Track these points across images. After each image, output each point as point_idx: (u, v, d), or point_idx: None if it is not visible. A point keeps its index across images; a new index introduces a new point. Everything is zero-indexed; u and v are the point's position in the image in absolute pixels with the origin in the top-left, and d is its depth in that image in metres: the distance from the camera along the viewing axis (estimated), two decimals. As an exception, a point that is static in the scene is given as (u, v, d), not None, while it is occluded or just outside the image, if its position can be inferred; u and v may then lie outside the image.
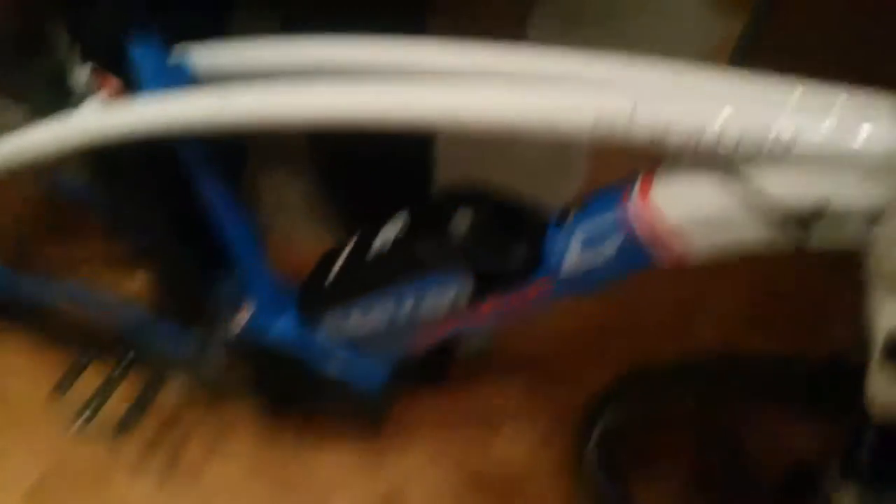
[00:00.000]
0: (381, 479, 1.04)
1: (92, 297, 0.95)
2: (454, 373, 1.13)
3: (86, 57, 0.67)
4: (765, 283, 1.24)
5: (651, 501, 0.94)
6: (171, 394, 1.04)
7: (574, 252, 0.59)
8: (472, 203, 0.67)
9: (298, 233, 1.22)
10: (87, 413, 0.84)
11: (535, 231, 0.62)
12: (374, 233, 0.73)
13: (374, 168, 0.90)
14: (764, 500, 0.89)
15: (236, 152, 0.75)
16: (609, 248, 0.57)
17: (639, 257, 0.56)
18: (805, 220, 0.47)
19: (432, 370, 1.02)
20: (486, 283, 0.65)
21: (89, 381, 0.91)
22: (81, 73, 0.68)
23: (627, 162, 0.58)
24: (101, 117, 0.64)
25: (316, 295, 0.80)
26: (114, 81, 0.64)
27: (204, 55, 0.65)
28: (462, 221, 0.65)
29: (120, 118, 0.63)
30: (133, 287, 1.10)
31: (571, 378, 1.12)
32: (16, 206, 1.13)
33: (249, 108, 0.59)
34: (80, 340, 1.04)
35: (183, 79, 0.64)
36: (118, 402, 0.90)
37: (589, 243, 0.58)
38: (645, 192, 0.54)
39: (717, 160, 0.48)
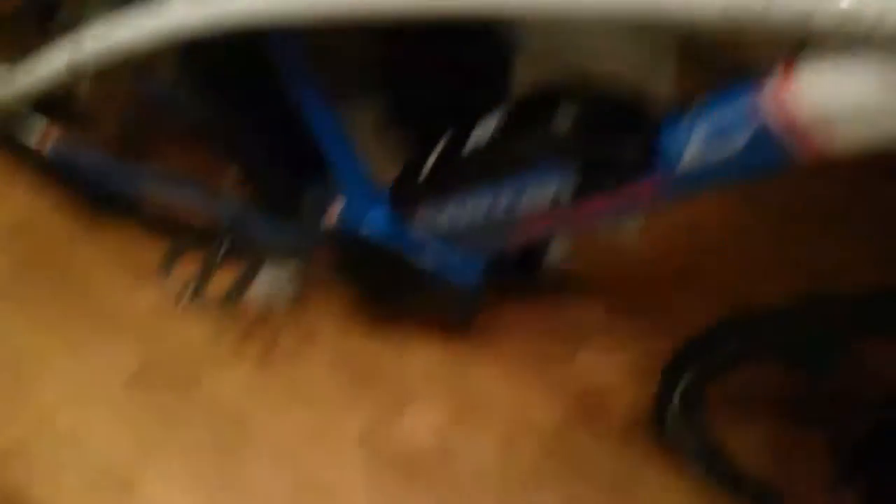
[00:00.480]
0: (461, 386, 1.05)
1: (189, 188, 0.96)
2: (540, 281, 1.11)
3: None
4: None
5: (740, 447, 0.89)
6: (264, 286, 1.05)
7: (696, 146, 0.54)
8: (575, 97, 0.62)
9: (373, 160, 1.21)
10: (191, 290, 0.88)
11: (649, 123, 0.58)
12: (466, 133, 0.70)
13: (447, 80, 0.86)
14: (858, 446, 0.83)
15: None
16: (737, 142, 0.52)
17: (771, 153, 0.51)
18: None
19: (523, 271, 1.01)
20: (593, 179, 0.62)
21: (187, 267, 0.94)
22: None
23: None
24: (194, 7, 0.61)
25: (409, 190, 0.78)
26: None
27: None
28: (565, 115, 0.61)
29: (214, 7, 0.59)
30: (227, 182, 1.12)
31: (660, 303, 1.10)
32: (119, 98, 1.14)
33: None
34: (175, 231, 1.08)
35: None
36: (215, 288, 0.92)
37: (714, 136, 0.53)
38: (784, 80, 0.48)
39: (874, 42, 0.43)
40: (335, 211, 0.85)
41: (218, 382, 1.06)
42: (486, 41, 0.80)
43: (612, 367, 1.07)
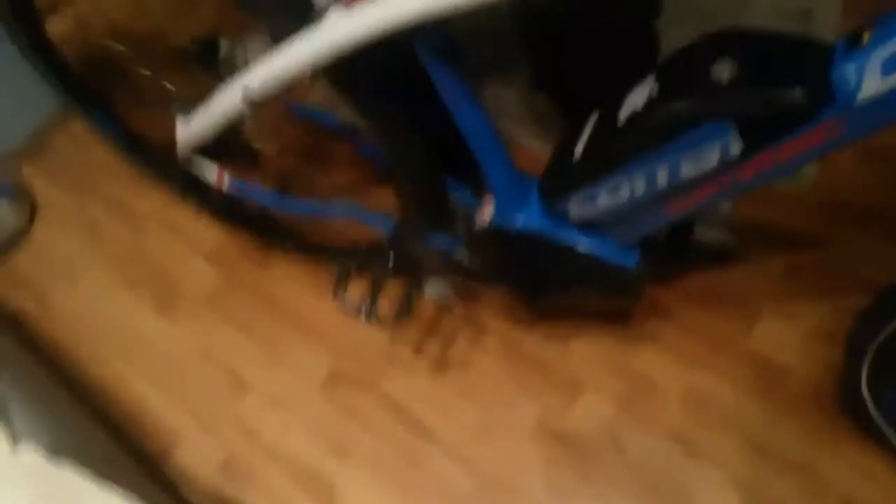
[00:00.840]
0: (629, 374, 1.04)
1: (350, 210, 1.03)
2: (699, 255, 1.08)
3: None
4: None
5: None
6: (431, 293, 1.14)
7: (873, 78, 0.51)
8: (733, 48, 0.60)
9: (522, 138, 1.22)
10: (365, 309, 0.92)
11: (815, 64, 0.55)
12: (617, 105, 0.69)
13: (593, 50, 0.86)
14: None
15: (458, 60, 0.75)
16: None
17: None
18: None
19: (675, 250, 0.97)
20: (762, 131, 0.59)
21: (358, 284, 1.00)
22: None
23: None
24: (350, 21, 0.65)
25: (560, 179, 0.78)
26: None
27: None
28: (724, 68, 0.59)
29: (368, 17, 0.64)
30: (386, 200, 1.18)
31: (844, 255, 1.04)
32: (280, 130, 1.25)
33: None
34: (341, 252, 1.17)
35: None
36: (388, 301, 0.97)
37: (893, 64, 0.49)
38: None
39: None
40: (487, 211, 0.86)
41: (398, 386, 1.12)
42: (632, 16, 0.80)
43: (794, 336, 1.01)
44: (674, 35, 0.99)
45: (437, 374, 1.11)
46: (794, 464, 0.93)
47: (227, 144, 0.95)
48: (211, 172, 1.04)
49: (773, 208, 1.09)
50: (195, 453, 1.14)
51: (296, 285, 1.26)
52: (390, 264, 0.90)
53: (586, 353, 1.06)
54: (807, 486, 0.91)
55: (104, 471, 0.78)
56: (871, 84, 0.51)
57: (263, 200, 1.09)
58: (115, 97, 1.13)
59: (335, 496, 1.06)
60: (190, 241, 1.32)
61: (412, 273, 0.94)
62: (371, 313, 0.91)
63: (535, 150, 1.21)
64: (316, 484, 1.07)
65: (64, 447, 0.85)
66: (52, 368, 1.19)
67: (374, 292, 0.91)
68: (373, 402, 1.11)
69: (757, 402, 0.98)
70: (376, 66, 0.70)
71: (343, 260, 0.95)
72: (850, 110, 0.54)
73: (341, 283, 0.93)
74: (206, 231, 1.30)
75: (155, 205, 1.39)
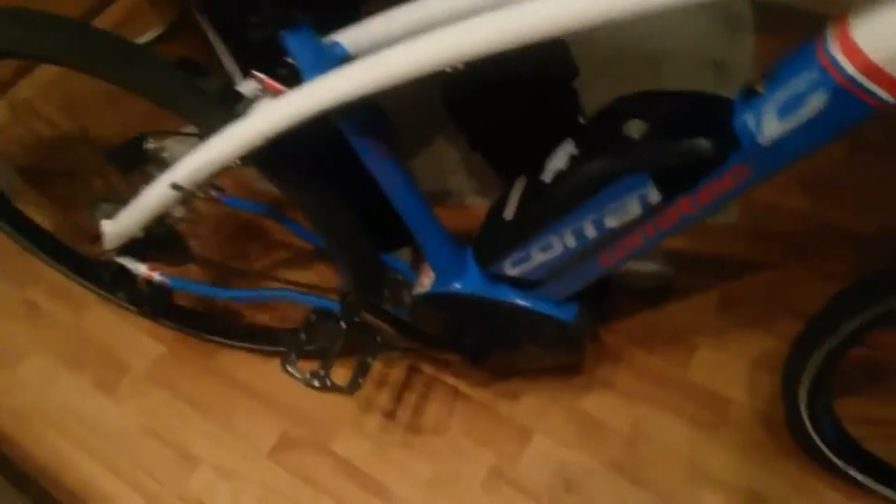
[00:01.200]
0: (576, 415, 1.05)
1: (287, 293, 1.02)
2: (636, 304, 1.12)
3: (246, 66, 0.71)
4: None
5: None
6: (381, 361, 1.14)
7: (770, 123, 0.54)
8: (641, 107, 0.64)
9: (467, 196, 1.26)
10: (319, 381, 0.91)
11: (718, 115, 0.58)
12: (541, 168, 0.72)
13: (518, 116, 0.89)
14: None
15: (389, 133, 0.77)
16: (812, 109, 0.51)
17: (853, 107, 0.50)
18: None
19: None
20: (673, 183, 0.62)
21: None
22: (245, 85, 0.72)
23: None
24: (275, 110, 0.67)
25: (493, 242, 0.80)
26: (275, 82, 0.67)
27: (350, 36, 0.66)
28: (634, 126, 0.62)
29: (293, 106, 0.65)
30: (323, 277, 1.18)
31: (772, 280, 1.10)
32: (205, 220, 1.25)
33: (405, 62, 0.59)
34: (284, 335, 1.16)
35: (338, 62, 0.65)
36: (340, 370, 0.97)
37: (787, 109, 0.53)
38: (843, 34, 0.48)
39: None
40: (426, 279, 0.87)
41: (350, 446, 1.11)
42: (550, 68, 0.83)
43: (731, 366, 1.05)
44: (600, 92, 1.04)
45: (389, 431, 1.10)
46: (739, 488, 0.95)
47: (156, 240, 0.94)
48: (140, 270, 1.03)
49: (705, 240, 1.14)
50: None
51: (239, 355, 1.24)
52: (338, 341, 0.89)
53: (536, 402, 1.08)
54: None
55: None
56: (770, 129, 0.55)
57: (198, 292, 1.09)
58: (39, 199, 1.12)
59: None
60: (132, 317, 1.28)
61: (364, 340, 0.94)
62: (324, 385, 0.90)
63: (479, 208, 1.25)
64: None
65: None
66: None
67: (326, 366, 0.89)
68: (325, 464, 1.10)
69: (699, 433, 1.01)
70: (304, 148, 0.72)
71: (291, 337, 0.94)
72: (754, 154, 0.57)
73: (291, 355, 0.92)
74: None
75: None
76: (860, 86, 0.49)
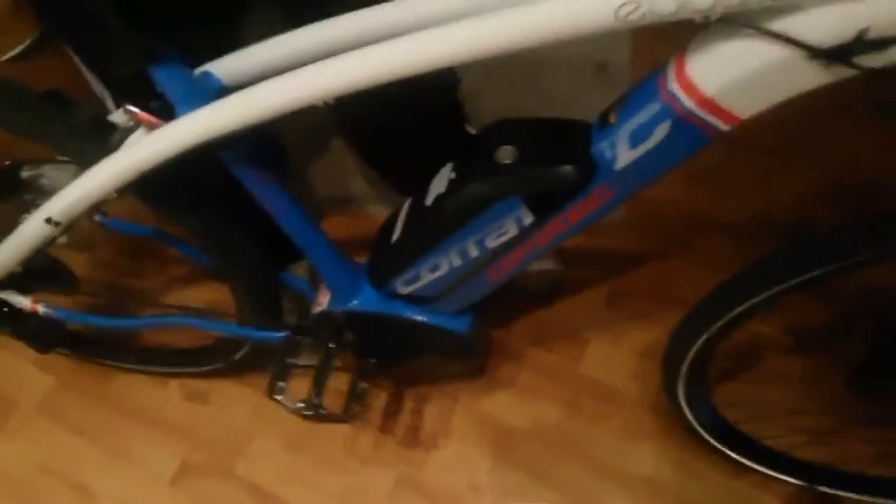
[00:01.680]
0: (479, 418, 1.08)
1: (181, 318, 1.00)
2: (530, 304, 1.16)
3: (118, 97, 0.68)
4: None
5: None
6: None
7: (623, 150, 0.58)
8: (512, 134, 0.67)
9: (369, 200, 1.26)
10: (313, 403, 0.95)
11: (579, 142, 0.62)
12: (425, 192, 0.74)
13: (407, 135, 0.91)
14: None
15: (275, 154, 0.76)
16: (658, 137, 0.56)
17: (693, 136, 0.55)
18: (847, 52, 0.46)
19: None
20: (544, 204, 0.65)
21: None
22: (117, 115, 0.70)
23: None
24: (148, 144, 0.65)
25: (383, 263, 0.81)
26: (148, 115, 0.65)
27: (224, 67, 0.66)
28: (505, 152, 0.65)
29: (167, 140, 0.64)
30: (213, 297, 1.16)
31: (658, 276, 1.16)
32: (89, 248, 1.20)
33: (281, 96, 0.60)
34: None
35: (212, 93, 0.64)
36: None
37: (637, 137, 0.57)
38: (680, 70, 0.53)
39: (743, 17, 0.47)
40: (323, 298, 0.88)
41: (253, 467, 1.09)
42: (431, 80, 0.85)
43: (620, 358, 1.10)
44: (485, 103, 1.06)
45: (293, 448, 1.10)
46: (635, 476, 1.01)
47: (37, 273, 0.90)
48: (23, 304, 0.98)
49: (592, 237, 1.18)
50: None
51: (135, 380, 1.20)
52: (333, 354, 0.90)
53: (441, 408, 1.10)
54: (644, 494, 0.99)
55: None
56: (623, 155, 0.59)
57: (88, 323, 1.05)
58: None
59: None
60: (16, 350, 1.20)
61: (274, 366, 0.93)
62: (320, 410, 0.90)
63: (379, 215, 1.25)
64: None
65: None
66: None
67: (319, 388, 0.91)
68: (229, 487, 1.08)
69: (594, 425, 1.06)
70: (182, 176, 0.70)
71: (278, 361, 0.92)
72: (613, 178, 0.61)
73: (277, 383, 0.91)
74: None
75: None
76: (698, 117, 0.54)
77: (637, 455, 1.02)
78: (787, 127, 1.09)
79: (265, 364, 1.11)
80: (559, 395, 1.08)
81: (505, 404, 1.09)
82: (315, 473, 1.07)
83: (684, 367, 0.78)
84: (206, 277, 1.25)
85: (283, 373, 0.92)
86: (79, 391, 1.20)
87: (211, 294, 1.23)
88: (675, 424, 1.02)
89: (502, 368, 1.12)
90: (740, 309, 0.66)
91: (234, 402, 1.15)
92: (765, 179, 1.23)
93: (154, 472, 1.11)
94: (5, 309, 0.99)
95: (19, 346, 1.21)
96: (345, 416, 0.92)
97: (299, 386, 1.01)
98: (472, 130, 0.98)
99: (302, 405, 0.90)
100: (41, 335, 1.02)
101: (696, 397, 0.85)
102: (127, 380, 1.19)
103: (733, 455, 0.91)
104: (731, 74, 0.50)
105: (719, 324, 0.68)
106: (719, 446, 0.90)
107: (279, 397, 0.90)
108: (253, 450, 1.10)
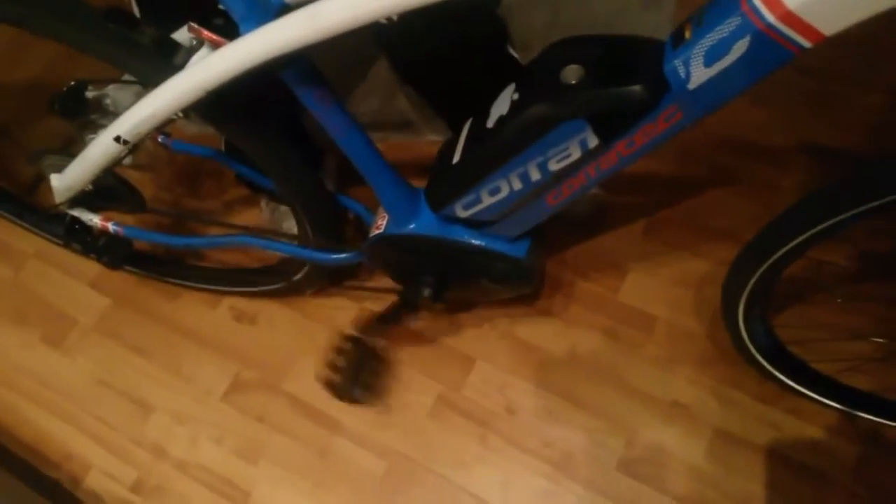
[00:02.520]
0: (514, 342, 1.10)
1: (245, 238, 1.01)
2: (571, 232, 1.15)
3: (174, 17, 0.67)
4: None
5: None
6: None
7: (697, 69, 0.56)
8: (578, 53, 0.64)
9: (421, 124, 1.24)
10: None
11: (650, 61, 0.59)
12: (486, 114, 0.72)
13: (449, 56, 0.89)
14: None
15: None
16: (736, 55, 0.53)
17: (773, 53, 0.52)
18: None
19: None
20: (609, 127, 0.63)
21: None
22: (180, 34, 0.69)
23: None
24: (213, 63, 0.64)
25: (443, 186, 0.80)
26: (212, 33, 0.64)
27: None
28: (571, 71, 0.63)
29: (232, 59, 0.63)
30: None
31: (692, 223, 1.13)
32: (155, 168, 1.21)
33: (345, 12, 0.58)
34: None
35: (273, 11, 0.62)
36: None
37: (713, 55, 0.55)
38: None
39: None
40: (381, 222, 0.87)
41: (299, 385, 1.13)
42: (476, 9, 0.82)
43: (658, 286, 1.10)
44: (527, 20, 1.02)
45: (338, 369, 1.10)
46: (664, 401, 1.02)
47: (107, 191, 0.90)
48: (94, 221, 1.00)
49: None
50: (106, 477, 1.11)
51: (187, 301, 1.23)
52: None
53: (478, 332, 1.12)
54: (678, 419, 1.01)
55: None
56: (698, 74, 0.57)
57: (154, 240, 1.07)
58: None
59: (250, 497, 1.06)
60: (73, 272, 1.26)
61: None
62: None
63: (432, 140, 1.24)
64: (230, 488, 1.07)
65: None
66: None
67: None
68: (277, 403, 1.12)
69: (629, 352, 1.07)
70: (245, 95, 0.69)
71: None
72: (685, 98, 0.59)
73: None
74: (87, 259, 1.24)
75: (35, 241, 1.27)
76: (779, 33, 0.51)
77: (672, 381, 1.03)
78: (840, 49, 1.05)
79: (322, 286, 1.13)
80: (597, 323, 1.09)
81: (543, 331, 1.10)
82: (357, 391, 1.09)
83: (749, 286, 0.76)
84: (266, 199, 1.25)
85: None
86: (133, 311, 1.24)
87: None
88: (710, 351, 1.03)
89: (541, 295, 1.12)
90: (814, 231, 0.64)
91: (280, 323, 1.19)
92: (813, 106, 1.19)
93: (206, 387, 1.15)
94: (77, 227, 1.01)
95: (77, 268, 1.26)
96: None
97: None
98: (514, 52, 0.95)
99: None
100: (111, 253, 1.04)
101: (754, 316, 0.83)
102: (179, 301, 1.23)
103: (781, 377, 0.91)
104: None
105: (792, 244, 0.67)
106: (769, 367, 0.90)
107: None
108: (298, 368, 1.14)
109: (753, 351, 0.87)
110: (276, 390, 1.13)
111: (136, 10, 0.84)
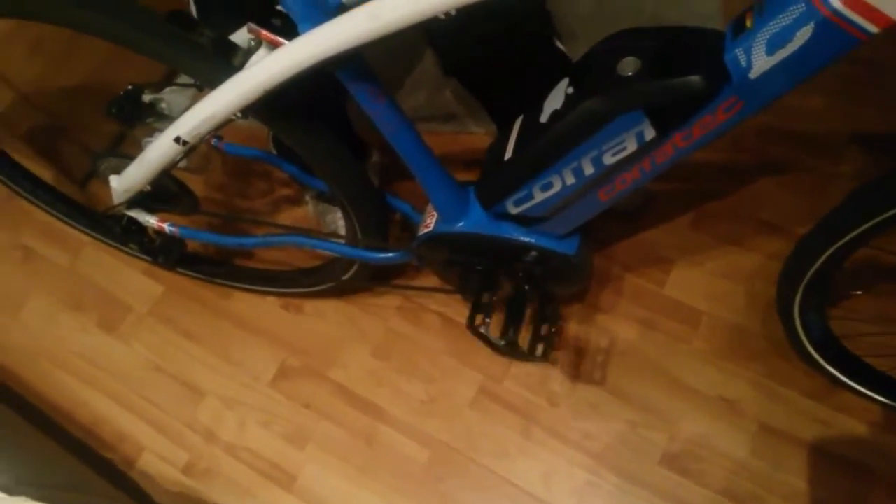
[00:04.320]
0: (562, 330, 1.08)
1: (297, 238, 1.01)
2: (617, 224, 1.13)
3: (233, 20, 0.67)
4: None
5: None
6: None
7: (759, 57, 0.54)
8: (634, 44, 0.62)
9: (469, 122, 1.24)
10: (511, 342, 0.88)
11: (709, 50, 0.57)
12: (539, 109, 0.71)
13: (496, 49, 0.87)
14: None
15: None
16: (799, 42, 0.51)
17: (838, 40, 0.50)
18: None
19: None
20: (668, 117, 0.61)
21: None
22: (239, 35, 0.69)
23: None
24: (273, 63, 0.64)
25: (495, 182, 0.79)
26: (271, 34, 0.64)
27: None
28: (627, 63, 0.61)
29: (292, 58, 0.63)
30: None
31: (738, 217, 1.11)
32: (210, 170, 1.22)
33: (404, 9, 0.57)
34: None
35: (332, 9, 0.62)
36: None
37: (775, 43, 0.53)
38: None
39: None
40: (431, 220, 0.87)
41: (345, 373, 1.14)
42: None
43: (704, 280, 1.08)
44: (573, 9, 0.99)
45: (382, 357, 1.13)
46: (710, 396, 1.00)
47: (163, 192, 0.91)
48: (150, 222, 1.01)
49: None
50: (159, 459, 1.13)
51: (236, 289, 1.24)
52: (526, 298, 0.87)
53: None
54: (722, 413, 0.99)
55: (70, 493, 0.74)
56: (760, 63, 0.55)
57: (208, 241, 1.07)
58: (41, 160, 1.09)
59: (296, 480, 1.07)
60: (127, 260, 1.28)
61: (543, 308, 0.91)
62: (516, 349, 0.87)
63: (479, 134, 1.23)
64: (277, 472, 1.08)
65: (27, 478, 0.81)
66: (7, 402, 1.14)
67: (515, 328, 0.86)
68: (323, 390, 1.13)
69: (674, 346, 1.04)
70: (301, 96, 0.69)
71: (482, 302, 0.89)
72: (745, 88, 0.57)
73: (484, 319, 0.87)
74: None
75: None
76: (845, 18, 0.49)
77: (717, 376, 1.01)
78: (892, 38, 1.01)
79: (371, 284, 1.14)
80: (642, 316, 1.07)
81: (584, 323, 1.08)
82: (401, 380, 1.11)
83: (808, 275, 0.74)
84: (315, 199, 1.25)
85: (483, 307, 0.88)
86: (185, 298, 1.26)
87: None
88: (757, 346, 1.00)
89: (587, 288, 1.10)
90: (879, 219, 0.62)
91: (326, 312, 1.19)
92: (864, 96, 1.14)
93: (254, 373, 1.16)
94: (133, 227, 1.02)
95: (130, 257, 1.28)
96: (537, 357, 0.86)
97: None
98: (561, 45, 0.93)
99: (503, 342, 0.86)
100: (166, 253, 1.05)
101: (810, 308, 0.80)
102: (228, 289, 1.24)
103: (833, 371, 0.88)
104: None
105: (856, 232, 0.64)
106: (822, 361, 0.87)
107: (483, 331, 0.86)
108: (344, 357, 1.14)
109: (807, 344, 0.85)
110: (322, 378, 1.13)
111: (194, 12, 0.85)
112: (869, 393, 0.88)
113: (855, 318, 0.88)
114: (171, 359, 1.21)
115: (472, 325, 0.86)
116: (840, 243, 0.67)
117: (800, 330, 0.83)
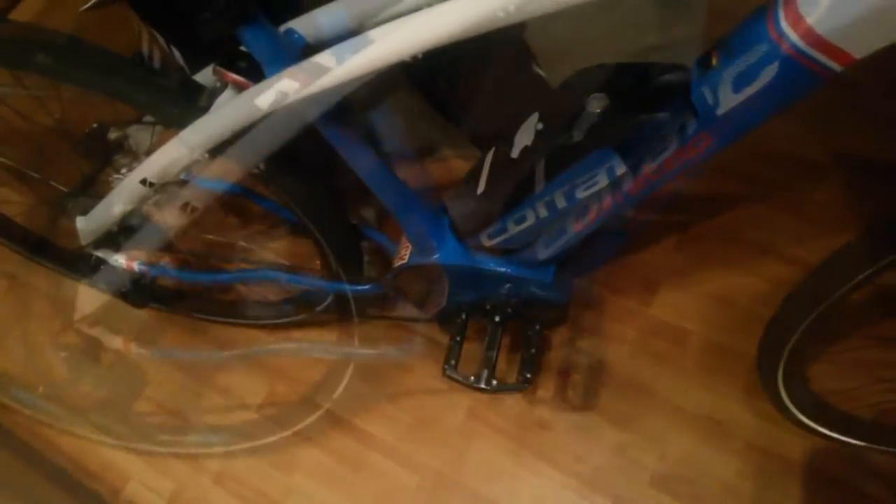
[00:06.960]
0: (543, 358, 1.07)
1: (272, 273, 1.00)
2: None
3: (201, 61, 0.67)
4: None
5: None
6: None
7: (726, 95, 0.54)
8: (602, 81, 0.62)
9: (449, 149, 1.23)
10: (485, 377, 0.89)
11: (676, 88, 0.57)
12: (509, 143, 0.70)
13: (473, 74, 0.86)
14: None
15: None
16: (765, 80, 0.51)
17: (803, 78, 0.50)
18: None
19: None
20: (638, 153, 0.61)
21: None
22: (204, 76, 0.68)
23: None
24: (243, 103, 0.63)
25: (468, 216, 0.79)
26: (237, 76, 0.63)
27: (306, 25, 0.62)
28: (596, 101, 0.61)
29: (261, 98, 0.62)
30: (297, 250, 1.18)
31: (724, 237, 1.10)
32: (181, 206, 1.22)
33: (377, 52, 0.57)
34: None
35: (297, 52, 0.61)
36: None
37: (741, 81, 0.52)
38: (790, 7, 0.47)
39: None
40: (405, 252, 0.86)
41: (333, 397, 1.12)
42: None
43: (689, 301, 1.08)
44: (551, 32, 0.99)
45: (371, 382, 1.13)
46: (699, 416, 0.99)
47: (132, 231, 0.91)
48: (119, 262, 1.00)
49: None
50: (145, 489, 1.12)
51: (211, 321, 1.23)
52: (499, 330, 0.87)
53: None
54: (710, 434, 0.98)
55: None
56: (726, 100, 0.54)
57: (179, 278, 1.06)
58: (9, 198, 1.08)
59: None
60: None
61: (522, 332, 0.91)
62: (493, 382, 0.87)
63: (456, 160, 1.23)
64: (264, 500, 1.07)
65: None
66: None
67: (490, 362, 0.87)
68: (310, 416, 1.12)
69: (661, 366, 1.04)
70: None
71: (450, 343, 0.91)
72: (714, 124, 0.56)
73: (451, 361, 0.88)
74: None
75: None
76: (809, 57, 0.49)
77: (704, 395, 1.01)
78: (874, 61, 1.01)
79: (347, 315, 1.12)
80: (628, 336, 1.07)
81: (573, 345, 1.08)
82: (390, 406, 1.10)
83: (791, 343, 0.74)
84: (287, 233, 1.26)
85: (453, 350, 0.90)
86: (173, 323, 1.25)
87: (293, 248, 1.23)
88: (744, 365, 1.00)
89: (571, 309, 1.10)
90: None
91: (313, 339, 1.18)
92: (847, 118, 1.14)
93: (241, 399, 1.16)
94: (103, 266, 1.00)
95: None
96: (517, 386, 0.87)
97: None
98: (541, 71, 0.93)
99: (473, 379, 0.86)
100: (136, 291, 1.04)
101: (793, 374, 0.80)
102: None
103: (827, 432, 0.88)
104: (848, 9, 0.45)
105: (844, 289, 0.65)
106: (814, 425, 0.87)
107: (454, 376, 0.87)
108: (331, 382, 1.14)
109: (795, 411, 0.85)
110: (310, 404, 1.13)
111: (176, 54, 0.84)
112: (870, 445, 0.88)
113: (835, 374, 0.88)
114: (155, 385, 1.20)
115: (445, 374, 0.87)
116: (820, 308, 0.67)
117: (786, 399, 0.83)
